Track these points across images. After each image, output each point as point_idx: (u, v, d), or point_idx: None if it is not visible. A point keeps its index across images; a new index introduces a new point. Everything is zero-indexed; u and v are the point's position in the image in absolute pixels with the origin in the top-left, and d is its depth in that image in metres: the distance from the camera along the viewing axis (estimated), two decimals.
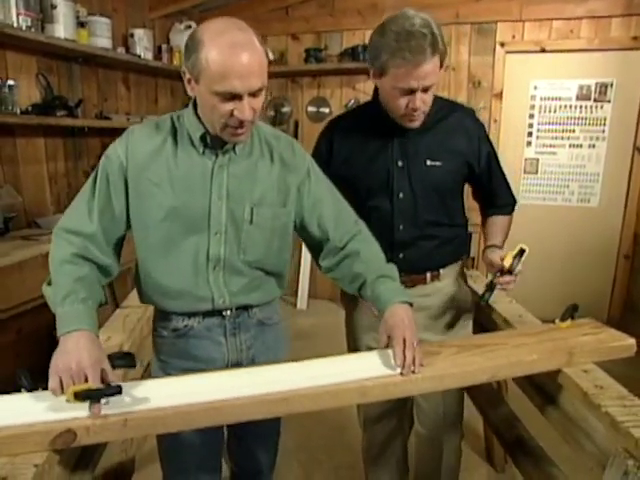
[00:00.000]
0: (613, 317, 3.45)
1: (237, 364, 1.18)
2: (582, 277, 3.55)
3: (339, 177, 1.34)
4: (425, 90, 1.20)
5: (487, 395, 1.83)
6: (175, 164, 1.08)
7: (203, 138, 1.07)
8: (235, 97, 0.96)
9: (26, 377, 0.99)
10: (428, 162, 1.31)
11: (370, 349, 1.41)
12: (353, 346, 1.54)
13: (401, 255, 1.36)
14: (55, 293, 1.02)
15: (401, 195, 1.33)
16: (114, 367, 0.95)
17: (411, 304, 1.11)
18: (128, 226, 1.12)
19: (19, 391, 0.97)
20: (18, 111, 2.24)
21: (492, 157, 1.42)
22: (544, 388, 1.29)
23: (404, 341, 1.02)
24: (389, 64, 1.16)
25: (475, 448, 2.20)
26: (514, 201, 1.50)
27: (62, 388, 0.90)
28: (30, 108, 2.34)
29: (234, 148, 1.10)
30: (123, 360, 1.00)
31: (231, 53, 0.93)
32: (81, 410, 0.88)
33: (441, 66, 1.20)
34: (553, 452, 1.45)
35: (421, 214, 1.34)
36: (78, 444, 0.87)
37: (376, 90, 1.35)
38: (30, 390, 0.98)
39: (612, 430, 0.96)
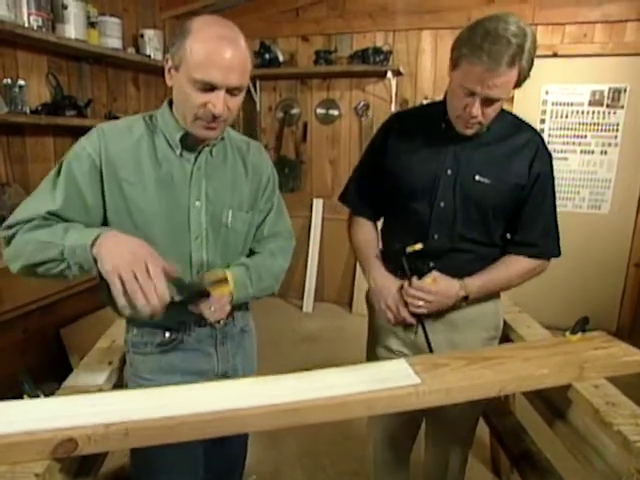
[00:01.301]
0: (623, 326, 3.41)
1: (224, 374, 1.18)
2: (591, 285, 3.50)
3: (389, 170, 1.34)
4: (489, 102, 1.12)
5: (494, 405, 1.81)
6: (152, 166, 1.04)
7: (182, 139, 1.05)
8: (212, 89, 0.95)
9: (28, 382, 0.98)
10: (477, 177, 1.24)
11: (390, 350, 1.40)
12: (372, 348, 1.50)
13: (431, 264, 1.31)
14: (48, 238, 0.91)
15: (442, 204, 1.28)
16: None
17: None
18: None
19: (21, 397, 0.97)
20: (28, 110, 2.25)
21: (546, 190, 1.29)
22: (553, 402, 1.26)
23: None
24: (464, 58, 1.09)
25: (481, 458, 2.17)
26: (552, 249, 1.32)
27: (127, 296, 0.82)
28: (40, 108, 2.35)
29: (211, 151, 1.09)
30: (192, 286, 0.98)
31: (216, 44, 0.93)
32: (82, 418, 0.87)
33: (518, 85, 1.12)
34: (560, 464, 1.42)
35: (458, 228, 1.28)
36: (79, 453, 0.86)
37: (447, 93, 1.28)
38: (31, 396, 0.97)
39: (624, 449, 0.94)
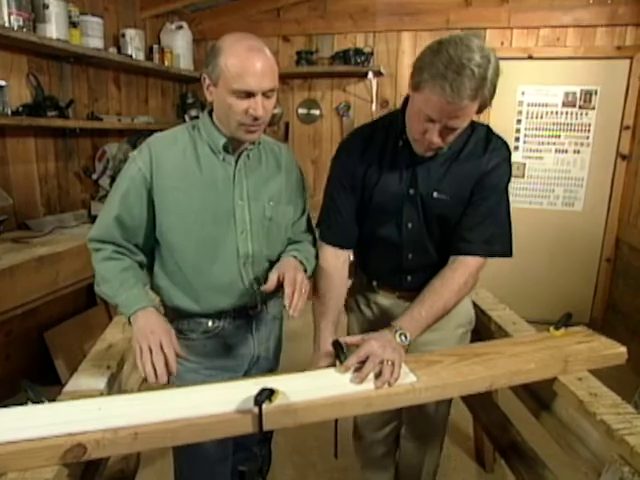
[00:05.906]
0: (595, 319, 3.54)
1: (259, 357, 1.37)
2: (565, 279, 3.63)
3: (364, 198, 1.30)
4: (449, 130, 1.10)
5: (479, 396, 1.86)
6: (199, 171, 1.18)
7: (225, 146, 1.19)
8: (250, 95, 1.08)
9: (32, 389, 0.99)
10: (435, 194, 1.24)
11: None
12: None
13: (409, 278, 1.34)
14: (109, 287, 1.14)
15: (410, 225, 1.28)
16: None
17: (306, 270, 1.24)
18: (153, 232, 1.22)
19: (25, 403, 0.97)
20: (9, 112, 2.20)
21: (494, 190, 1.24)
22: (538, 394, 1.33)
23: (294, 282, 1.12)
24: (427, 85, 1.05)
25: (464, 448, 2.24)
26: (503, 246, 1.26)
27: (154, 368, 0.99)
28: (21, 108, 2.29)
29: (248, 155, 1.23)
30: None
31: (247, 56, 1.06)
32: (90, 423, 0.89)
33: (480, 111, 1.09)
34: (544, 451, 1.49)
35: (430, 244, 1.30)
36: (88, 458, 0.88)
37: (405, 101, 1.23)
38: (35, 402, 0.97)
39: (607, 437, 1.00)
